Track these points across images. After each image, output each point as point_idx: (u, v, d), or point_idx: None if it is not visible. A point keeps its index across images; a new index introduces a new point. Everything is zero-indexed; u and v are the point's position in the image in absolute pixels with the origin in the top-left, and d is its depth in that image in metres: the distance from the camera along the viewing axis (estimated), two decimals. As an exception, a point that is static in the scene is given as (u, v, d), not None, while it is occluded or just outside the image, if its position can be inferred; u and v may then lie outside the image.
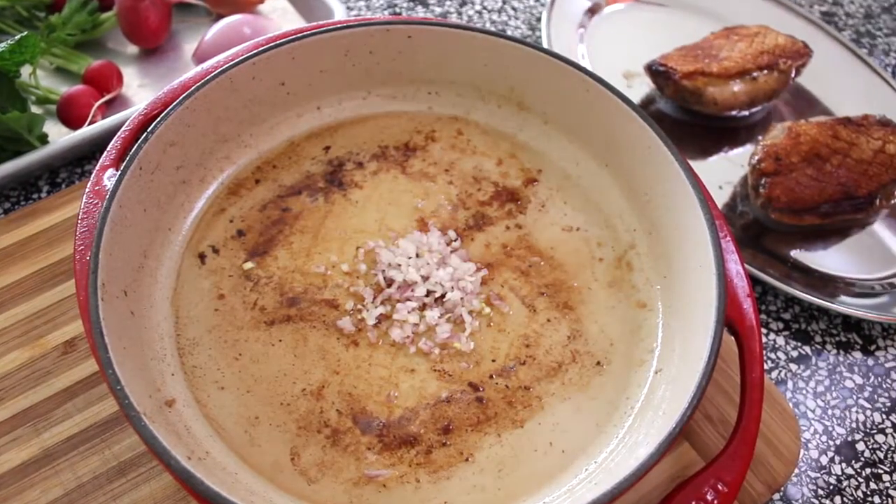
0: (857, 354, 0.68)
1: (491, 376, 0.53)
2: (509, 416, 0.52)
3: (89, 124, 0.73)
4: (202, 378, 0.52)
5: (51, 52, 0.79)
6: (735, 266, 0.54)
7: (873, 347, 0.68)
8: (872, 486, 0.60)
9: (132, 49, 0.84)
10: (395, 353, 0.54)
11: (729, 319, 0.51)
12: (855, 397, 0.65)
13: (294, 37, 0.61)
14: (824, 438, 0.63)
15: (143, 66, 0.83)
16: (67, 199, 0.67)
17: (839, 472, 0.61)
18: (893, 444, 0.63)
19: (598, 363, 0.55)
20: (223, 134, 0.61)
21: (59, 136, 0.72)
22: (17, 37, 0.71)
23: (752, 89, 0.77)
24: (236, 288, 0.56)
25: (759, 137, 0.76)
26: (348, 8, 0.90)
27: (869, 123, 0.73)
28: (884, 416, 0.64)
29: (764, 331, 0.68)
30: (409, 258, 0.58)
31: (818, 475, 0.61)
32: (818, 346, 0.68)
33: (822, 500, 0.59)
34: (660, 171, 0.57)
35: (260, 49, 0.60)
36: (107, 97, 0.76)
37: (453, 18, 0.89)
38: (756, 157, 0.72)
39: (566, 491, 0.49)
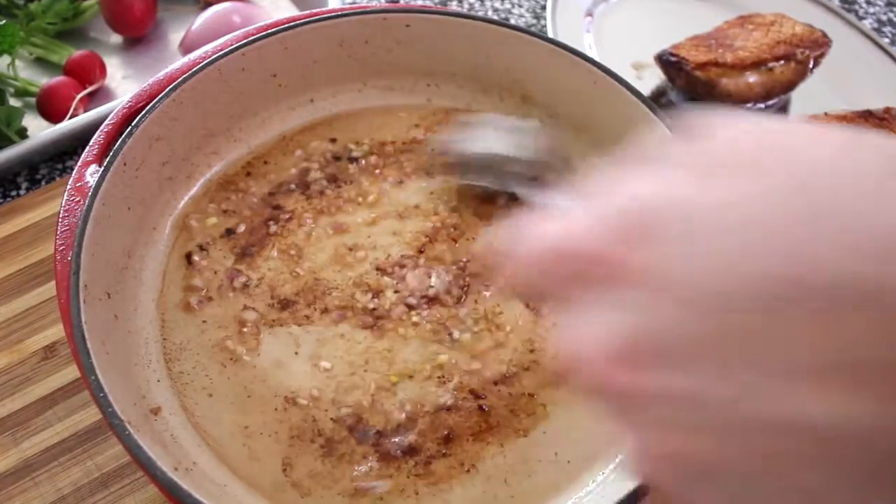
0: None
1: (493, 383, 0.53)
2: (512, 424, 0.52)
3: (70, 118, 0.73)
4: (189, 385, 0.52)
5: (30, 41, 0.79)
6: (750, 267, 0.54)
7: None
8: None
9: (116, 38, 0.84)
10: (391, 358, 0.54)
11: (744, 323, 0.51)
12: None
13: (286, 26, 0.61)
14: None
15: (128, 56, 0.83)
16: (48, 196, 0.67)
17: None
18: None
19: (607, 369, 0.55)
20: (211, 128, 0.61)
21: (39, 130, 0.72)
22: (-5, 26, 0.71)
23: (768, 81, 0.77)
24: (225, 290, 0.56)
25: (776, 132, 0.76)
26: (343, -5, 0.90)
27: (891, 117, 0.73)
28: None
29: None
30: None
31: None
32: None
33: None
34: (671, 166, 0.57)
35: (250, 39, 0.60)
36: (89, 89, 0.76)
37: (454, 6, 0.89)
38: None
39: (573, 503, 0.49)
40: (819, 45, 0.79)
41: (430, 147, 0.62)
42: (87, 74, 0.76)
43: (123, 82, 0.80)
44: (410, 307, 0.56)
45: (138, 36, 0.84)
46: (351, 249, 0.59)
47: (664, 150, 0.27)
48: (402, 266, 0.58)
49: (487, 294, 0.57)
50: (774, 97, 0.79)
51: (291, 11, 0.87)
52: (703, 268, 0.23)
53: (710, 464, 0.24)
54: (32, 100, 0.76)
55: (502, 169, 0.57)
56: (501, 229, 0.32)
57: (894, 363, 0.21)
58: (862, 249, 0.21)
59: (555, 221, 0.28)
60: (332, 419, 0.51)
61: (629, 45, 0.85)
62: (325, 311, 0.56)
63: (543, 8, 0.89)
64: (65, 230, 0.52)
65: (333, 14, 0.62)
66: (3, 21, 0.71)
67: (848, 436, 0.21)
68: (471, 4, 0.90)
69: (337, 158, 0.64)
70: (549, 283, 0.28)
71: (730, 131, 0.26)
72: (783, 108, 0.82)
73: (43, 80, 0.76)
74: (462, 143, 0.59)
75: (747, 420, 0.23)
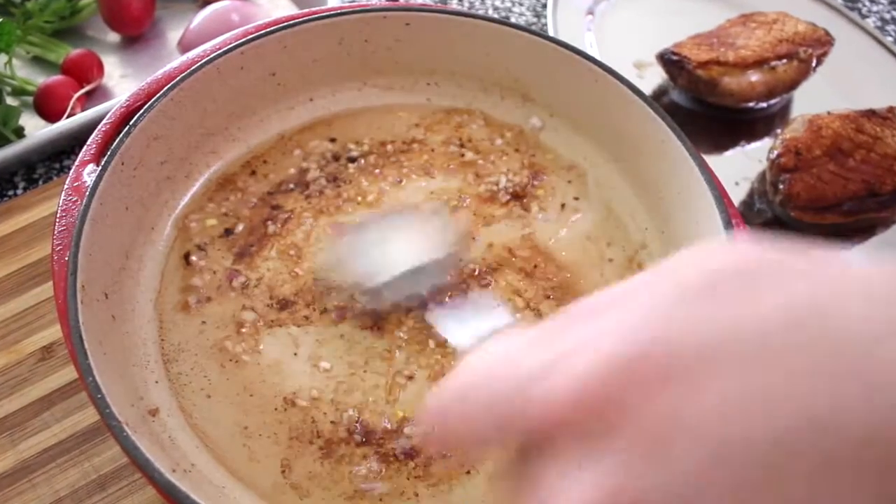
0: (882, 361, 0.68)
1: (494, 384, 0.53)
2: (513, 426, 0.52)
3: (68, 117, 0.73)
4: (188, 386, 0.52)
5: (27, 40, 0.79)
6: (752, 267, 0.54)
7: (899, 353, 0.68)
8: None
9: (113, 37, 0.84)
10: (391, 359, 0.54)
11: (746, 324, 0.51)
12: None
13: (285, 24, 0.61)
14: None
15: (126, 55, 0.83)
16: (45, 195, 0.67)
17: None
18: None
19: (608, 370, 0.54)
20: (210, 127, 0.61)
21: (36, 130, 0.72)
22: (-8, 24, 0.71)
23: (770, 79, 0.77)
24: (223, 290, 0.56)
25: (779, 131, 0.76)
26: (342, -7, 0.90)
27: (895, 115, 0.73)
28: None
29: (783, 336, 0.68)
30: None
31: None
32: (841, 352, 0.68)
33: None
34: (673, 166, 0.57)
35: (249, 37, 0.60)
36: (87, 88, 0.76)
37: (454, 5, 0.89)
38: (775, 152, 0.72)
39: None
40: (822, 43, 0.79)
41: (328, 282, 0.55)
42: (84, 73, 0.76)
43: (121, 81, 0.80)
44: (410, 308, 0.56)
45: (136, 34, 0.84)
46: (350, 249, 0.59)
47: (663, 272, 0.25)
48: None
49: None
50: (777, 96, 0.79)
51: (290, 10, 0.87)
52: (725, 416, 0.21)
53: None
54: (30, 99, 0.76)
55: (416, 278, 0.52)
56: (457, 378, 0.28)
57: None
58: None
59: (531, 365, 0.25)
60: (331, 421, 0.51)
61: (630, 44, 0.85)
62: (325, 311, 0.56)
63: (544, 6, 0.89)
64: (62, 230, 0.52)
65: (333, 12, 0.62)
66: (0, 19, 0.71)
67: None
68: (471, 3, 0.90)
69: (336, 158, 0.64)
70: (528, 435, 0.25)
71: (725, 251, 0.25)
72: (786, 107, 0.82)
73: (40, 79, 0.76)
74: (365, 268, 0.53)
75: None
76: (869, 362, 0.21)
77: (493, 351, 0.28)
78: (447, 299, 0.54)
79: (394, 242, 0.54)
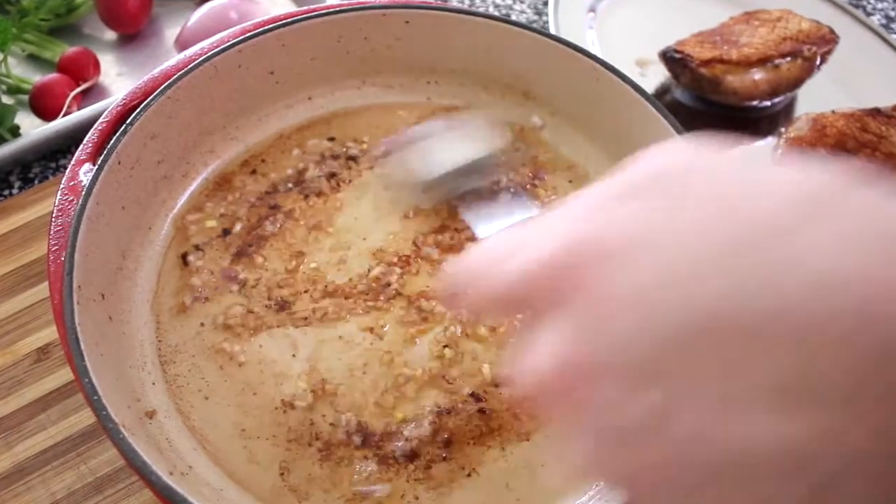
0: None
1: (494, 385, 0.53)
2: (514, 428, 0.52)
3: (64, 115, 0.73)
4: (185, 387, 0.52)
5: (23, 38, 0.79)
6: (756, 267, 0.54)
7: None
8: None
9: (110, 35, 0.84)
10: (391, 360, 0.54)
11: (750, 324, 0.51)
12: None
13: (284, 22, 0.61)
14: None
15: (122, 52, 0.83)
16: (41, 195, 0.67)
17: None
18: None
19: (610, 371, 0.54)
20: (207, 126, 0.61)
21: (32, 128, 0.72)
22: (-13, 22, 0.71)
23: (773, 78, 0.77)
24: (221, 290, 0.56)
25: (782, 129, 0.76)
26: (341, -9, 0.90)
27: (900, 114, 0.73)
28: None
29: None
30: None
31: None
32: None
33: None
34: (675, 165, 0.57)
35: (247, 35, 0.60)
36: (83, 86, 0.76)
37: (454, 2, 0.89)
38: (779, 151, 0.71)
39: (575, 508, 0.49)
40: (826, 41, 0.79)
41: (388, 181, 0.61)
42: (80, 71, 0.76)
43: (118, 79, 0.80)
44: (410, 308, 0.56)
45: (133, 32, 0.84)
46: (349, 249, 0.59)
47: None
48: (402, 266, 0.58)
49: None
50: (780, 94, 0.79)
51: (289, 7, 0.87)
52: (647, 294, 0.26)
53: (657, 477, 0.26)
54: (25, 97, 0.76)
55: (465, 177, 0.55)
56: (458, 260, 0.34)
57: (817, 391, 0.23)
58: (794, 285, 0.23)
59: (506, 255, 0.31)
60: (330, 423, 0.51)
61: (633, 42, 0.85)
62: (324, 312, 0.56)
63: (545, 4, 0.89)
64: (58, 230, 0.52)
65: (332, 10, 0.62)
66: (-4, 17, 0.71)
67: (789, 456, 0.23)
68: (472, 0, 0.90)
69: (335, 157, 0.64)
70: (510, 310, 0.32)
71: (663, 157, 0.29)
72: (789, 106, 0.82)
73: (36, 78, 0.76)
74: (420, 165, 0.56)
75: (681, 434, 0.25)
76: (779, 246, 0.24)
77: (491, 240, 0.34)
78: (483, 199, 0.55)
79: (447, 143, 0.57)
